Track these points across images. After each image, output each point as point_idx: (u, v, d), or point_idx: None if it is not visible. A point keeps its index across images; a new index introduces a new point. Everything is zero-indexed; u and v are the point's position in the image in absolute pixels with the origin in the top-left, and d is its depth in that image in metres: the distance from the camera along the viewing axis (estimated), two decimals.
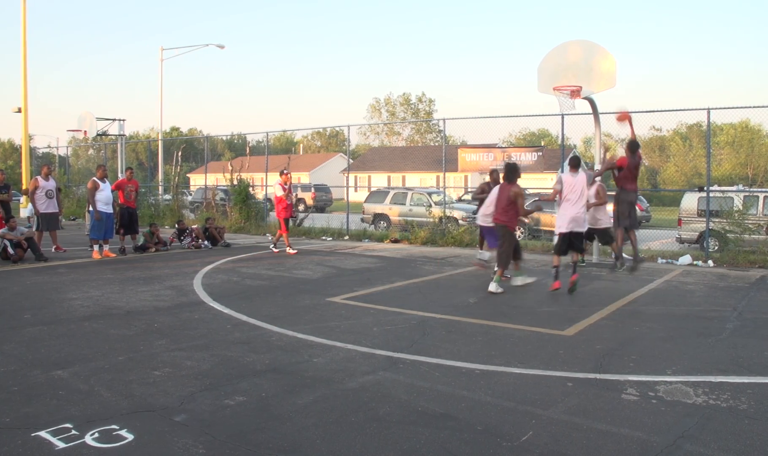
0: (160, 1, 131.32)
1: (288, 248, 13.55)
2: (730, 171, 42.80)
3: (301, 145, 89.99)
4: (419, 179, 49.66)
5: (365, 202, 21.79)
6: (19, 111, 24.80)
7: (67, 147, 33.73)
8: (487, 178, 11.30)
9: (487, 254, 10.61)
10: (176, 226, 15.65)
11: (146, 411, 4.26)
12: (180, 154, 22.96)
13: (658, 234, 17.45)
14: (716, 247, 13.25)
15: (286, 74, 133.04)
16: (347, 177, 22.15)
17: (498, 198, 8.98)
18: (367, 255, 13.42)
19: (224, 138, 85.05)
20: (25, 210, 21.22)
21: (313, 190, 38.51)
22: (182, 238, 14.86)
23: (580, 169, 9.26)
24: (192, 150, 49.25)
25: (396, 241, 15.96)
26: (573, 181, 9.02)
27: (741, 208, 13.08)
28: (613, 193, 10.81)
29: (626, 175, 10.34)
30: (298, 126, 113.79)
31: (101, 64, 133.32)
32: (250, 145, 28.71)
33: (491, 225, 9.37)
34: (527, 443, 3.78)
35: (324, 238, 17.17)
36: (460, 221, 17.64)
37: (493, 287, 8.71)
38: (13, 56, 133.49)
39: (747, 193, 14.40)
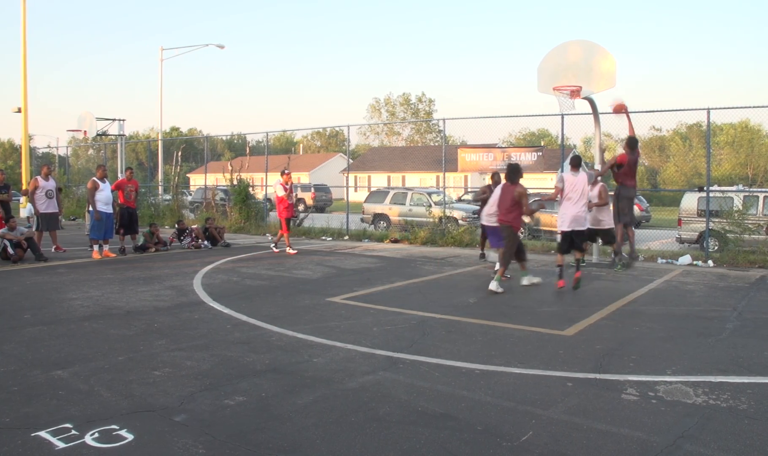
0: (160, 1, 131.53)
1: (288, 248, 13.55)
2: (729, 171, 42.87)
3: (301, 145, 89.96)
4: (419, 179, 49.66)
5: (365, 202, 21.78)
6: (19, 111, 24.78)
7: (67, 147, 33.80)
8: (489, 181, 11.36)
9: (493, 255, 10.62)
10: (176, 226, 15.65)
11: (146, 411, 4.26)
12: (180, 154, 22.98)
13: (658, 234, 17.47)
14: (716, 247, 13.25)
15: (286, 74, 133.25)
16: (347, 177, 22.11)
17: (501, 198, 9.00)
18: (367, 255, 13.42)
19: (224, 138, 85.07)
20: (24, 210, 21.22)
21: (312, 190, 38.50)
22: (182, 238, 14.86)
23: (581, 169, 9.34)
24: (192, 150, 49.20)
25: (396, 241, 15.97)
26: (574, 181, 9.11)
27: (741, 208, 13.08)
28: (612, 192, 10.83)
29: (626, 172, 10.38)
30: (298, 126, 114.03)
31: (101, 64, 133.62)
32: (250, 145, 28.74)
33: (495, 225, 9.40)
34: (527, 443, 3.78)
35: (324, 238, 17.17)
36: (460, 221, 17.64)
37: (493, 286, 8.73)
38: (13, 56, 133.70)
39: (747, 193, 14.40)
